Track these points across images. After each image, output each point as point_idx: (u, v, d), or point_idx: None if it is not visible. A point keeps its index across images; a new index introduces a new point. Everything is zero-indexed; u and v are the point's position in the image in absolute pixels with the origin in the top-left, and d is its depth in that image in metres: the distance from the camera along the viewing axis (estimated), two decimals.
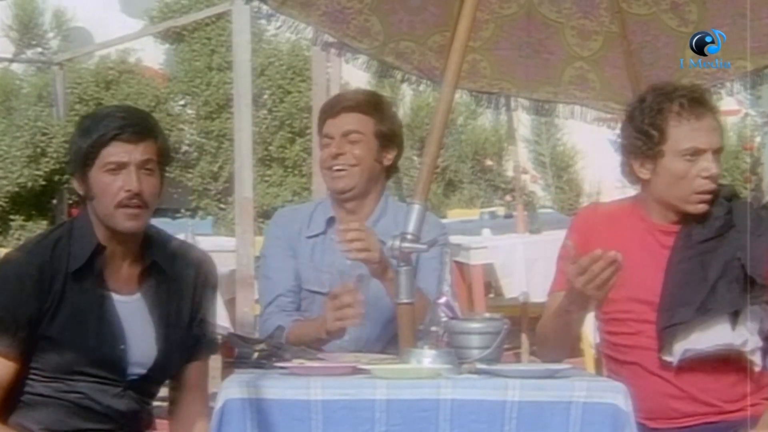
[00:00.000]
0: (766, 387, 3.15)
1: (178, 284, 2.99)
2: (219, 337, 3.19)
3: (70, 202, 11.52)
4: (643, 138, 3.13)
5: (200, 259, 3.08)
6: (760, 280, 3.05)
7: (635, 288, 3.10)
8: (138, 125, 2.90)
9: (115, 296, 2.92)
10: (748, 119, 12.86)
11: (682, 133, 3.10)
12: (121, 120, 2.88)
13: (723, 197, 3.16)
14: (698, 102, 3.12)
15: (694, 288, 3.07)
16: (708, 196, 3.12)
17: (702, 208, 3.13)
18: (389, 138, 3.49)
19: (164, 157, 2.94)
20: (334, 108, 3.51)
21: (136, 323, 2.93)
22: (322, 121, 3.54)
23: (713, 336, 3.04)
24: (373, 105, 3.51)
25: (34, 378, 2.89)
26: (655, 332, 3.09)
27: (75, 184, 2.94)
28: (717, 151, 3.12)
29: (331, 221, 3.47)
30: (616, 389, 2.62)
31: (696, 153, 3.09)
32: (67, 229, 2.95)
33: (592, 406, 2.58)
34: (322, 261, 3.43)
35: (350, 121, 3.46)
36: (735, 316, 3.04)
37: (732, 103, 11.42)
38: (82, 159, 2.88)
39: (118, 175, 2.85)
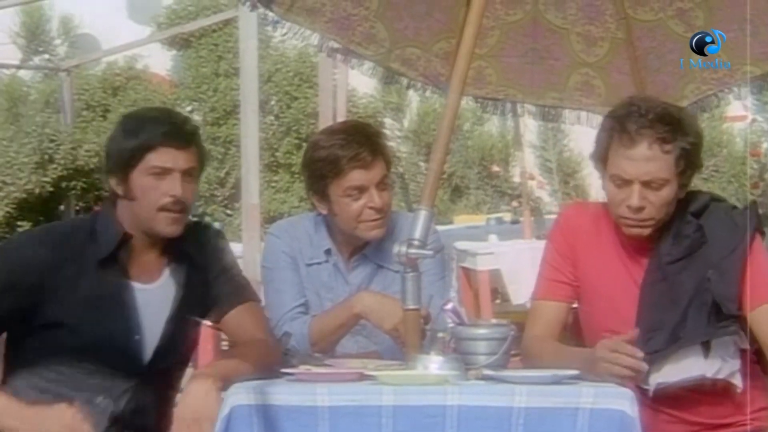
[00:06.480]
0: (758, 393, 3.08)
1: (198, 266, 3.01)
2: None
3: (77, 208, 11.55)
4: (595, 152, 3.09)
5: (212, 234, 3.10)
6: (729, 308, 2.96)
7: (613, 312, 3.05)
8: (184, 132, 2.94)
9: (135, 284, 2.93)
10: (755, 125, 12.84)
11: (614, 159, 3.02)
12: (168, 125, 2.92)
13: (692, 213, 3.06)
14: (644, 127, 2.98)
15: (665, 313, 3.00)
16: (633, 223, 3.02)
17: (631, 231, 3.04)
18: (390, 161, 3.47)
19: (203, 164, 3.00)
20: (365, 159, 3.33)
21: (154, 312, 2.94)
22: (346, 171, 3.34)
23: (685, 368, 2.98)
24: (382, 144, 3.42)
25: (41, 366, 2.88)
26: None
27: (111, 183, 2.94)
28: (646, 184, 2.98)
29: (329, 252, 3.45)
30: (623, 395, 2.61)
31: (623, 181, 3.01)
32: (89, 221, 2.98)
33: (600, 413, 2.57)
34: (322, 288, 3.44)
35: (378, 169, 3.37)
36: (707, 344, 2.97)
37: (739, 109, 11.41)
38: (126, 160, 2.90)
39: (161, 180, 2.89)
